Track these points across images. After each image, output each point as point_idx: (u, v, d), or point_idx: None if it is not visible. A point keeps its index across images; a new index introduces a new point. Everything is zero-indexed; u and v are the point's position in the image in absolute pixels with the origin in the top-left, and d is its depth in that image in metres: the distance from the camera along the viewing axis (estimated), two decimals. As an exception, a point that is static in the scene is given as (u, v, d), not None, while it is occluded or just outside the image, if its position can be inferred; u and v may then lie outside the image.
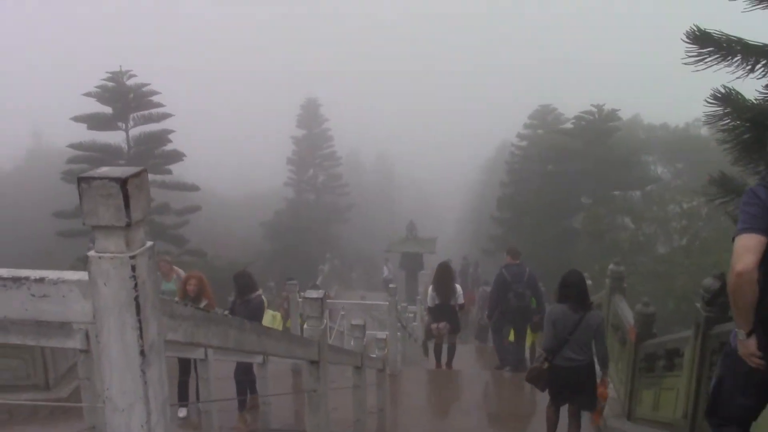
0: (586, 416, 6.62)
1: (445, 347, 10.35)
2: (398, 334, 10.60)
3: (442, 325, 9.75)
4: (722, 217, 13.85)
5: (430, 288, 10.03)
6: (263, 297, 10.75)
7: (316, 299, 3.74)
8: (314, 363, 3.77)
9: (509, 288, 9.42)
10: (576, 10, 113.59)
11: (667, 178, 25.22)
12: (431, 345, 10.39)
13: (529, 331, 9.93)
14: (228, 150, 63.07)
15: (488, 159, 56.23)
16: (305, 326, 3.80)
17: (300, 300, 10.78)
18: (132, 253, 1.44)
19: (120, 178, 1.40)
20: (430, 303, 9.95)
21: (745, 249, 2.67)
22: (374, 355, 7.18)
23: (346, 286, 33.04)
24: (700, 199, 13.79)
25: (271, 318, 10.77)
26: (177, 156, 21.91)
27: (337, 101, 51.06)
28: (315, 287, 20.65)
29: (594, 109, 22.52)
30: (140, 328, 1.48)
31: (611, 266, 9.38)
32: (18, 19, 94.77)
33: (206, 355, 5.96)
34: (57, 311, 1.54)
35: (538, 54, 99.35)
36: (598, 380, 6.14)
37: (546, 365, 5.97)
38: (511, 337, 9.94)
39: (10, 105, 62.53)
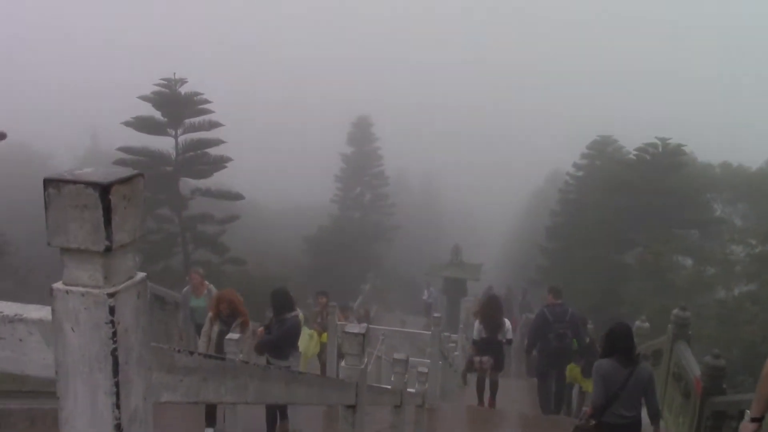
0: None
1: (487, 382, 9.86)
2: (439, 363, 10.03)
3: (485, 359, 9.34)
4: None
5: (477, 321, 9.63)
6: (300, 316, 10.43)
7: (357, 335, 3.30)
8: (350, 407, 3.35)
9: (550, 328, 9.16)
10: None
11: (729, 219, 24.13)
12: (471, 376, 10.03)
13: (580, 375, 9.40)
14: (274, 162, 63.55)
15: (538, 187, 55.25)
16: (342, 364, 3.38)
17: (338, 322, 10.37)
18: (112, 290, 1.04)
19: (100, 183, 0.99)
20: (476, 336, 9.52)
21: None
22: (413, 389, 6.68)
23: (385, 308, 32.62)
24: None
25: (308, 337, 10.39)
26: (222, 162, 21.89)
27: (388, 120, 50.95)
28: (349, 308, 20.33)
29: (658, 142, 21.68)
30: (117, 393, 1.06)
31: (676, 311, 8.74)
32: (86, 25, 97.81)
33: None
34: (10, 359, 1.14)
35: (598, 81, 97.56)
36: None
37: (593, 423, 5.52)
38: (584, 384, 9.40)
39: (72, 106, 64.40)
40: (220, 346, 6.61)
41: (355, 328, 3.31)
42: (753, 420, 3.33)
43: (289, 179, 58.98)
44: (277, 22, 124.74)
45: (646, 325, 11.04)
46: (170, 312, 11.94)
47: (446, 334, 10.56)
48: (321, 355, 10.94)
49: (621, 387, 5.39)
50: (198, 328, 9.18)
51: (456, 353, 14.98)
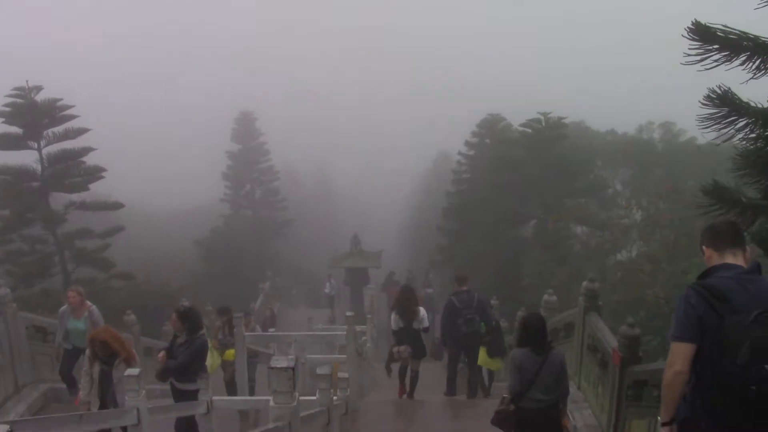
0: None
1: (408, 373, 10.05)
2: (357, 362, 9.70)
3: (403, 348, 9.55)
4: (695, 222, 13.64)
5: (393, 312, 9.79)
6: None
7: (285, 369, 2.84)
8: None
9: (459, 314, 9.54)
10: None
11: (614, 185, 25.27)
12: (395, 367, 10.13)
13: (486, 356, 9.86)
14: (156, 166, 60.49)
15: (427, 169, 56.02)
16: (272, 404, 2.91)
17: (244, 333, 9.75)
18: None
19: None
20: (393, 326, 9.70)
21: (679, 355, 3.22)
22: (336, 398, 6.26)
23: (288, 304, 31.99)
24: (663, 204, 13.55)
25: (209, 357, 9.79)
26: (97, 172, 20.33)
27: (271, 113, 49.71)
28: (250, 310, 19.56)
29: (540, 117, 22.27)
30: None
31: (585, 283, 8.80)
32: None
33: (138, 418, 4.93)
34: None
35: (479, 66, 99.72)
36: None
37: (512, 407, 5.91)
38: (489, 364, 10.05)
39: None
40: (104, 385, 6.16)
41: (283, 362, 2.84)
42: (664, 425, 3.43)
43: (174, 182, 56.34)
44: (145, 16, 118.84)
45: (554, 298, 11.16)
46: (53, 342, 10.81)
47: (360, 328, 10.36)
48: (226, 372, 10.30)
49: (535, 374, 5.78)
50: (75, 352, 8.44)
51: (368, 345, 14.72)
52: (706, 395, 3.20)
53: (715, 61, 5.47)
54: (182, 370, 6.80)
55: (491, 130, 28.76)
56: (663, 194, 13.65)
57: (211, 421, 6.59)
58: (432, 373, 11.71)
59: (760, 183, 6.07)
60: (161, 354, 7.19)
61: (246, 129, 40.49)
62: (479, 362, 9.97)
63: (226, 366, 10.31)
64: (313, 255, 42.36)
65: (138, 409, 4.89)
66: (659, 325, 11.07)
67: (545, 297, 11.13)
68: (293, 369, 2.85)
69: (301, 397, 2.85)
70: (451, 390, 10.14)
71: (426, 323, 9.71)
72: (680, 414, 3.35)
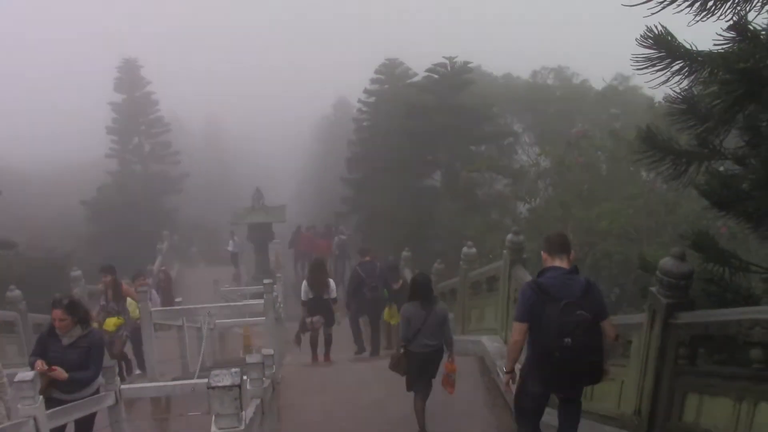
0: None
1: (321, 338, 10.80)
2: (276, 330, 9.23)
3: (316, 318, 10.30)
4: (602, 167, 13.85)
5: (304, 282, 10.47)
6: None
7: (230, 388, 2.30)
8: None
9: (364, 283, 10.85)
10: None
11: (516, 130, 25.50)
12: (304, 336, 10.70)
13: (396, 311, 10.79)
14: (32, 123, 55.79)
15: (326, 117, 54.85)
16: (214, 429, 2.37)
17: (150, 309, 8.96)
18: None
19: None
20: (303, 297, 10.34)
21: (517, 330, 4.73)
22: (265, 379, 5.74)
23: (188, 264, 30.76)
24: (572, 150, 13.65)
25: None
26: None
27: (156, 61, 46.52)
28: (146, 272, 18.48)
29: (446, 62, 21.91)
30: None
31: (510, 236, 8.67)
32: None
33: (37, 429, 4.23)
34: None
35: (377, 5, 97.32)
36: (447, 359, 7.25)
37: (402, 351, 7.12)
38: (393, 320, 11.16)
39: None
40: None
41: (226, 379, 2.30)
42: (507, 373, 5.19)
43: (53, 139, 52.24)
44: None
45: (473, 250, 11.02)
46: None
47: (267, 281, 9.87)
48: (112, 346, 9.28)
49: (423, 323, 6.96)
50: None
51: (281, 304, 14.24)
52: (533, 356, 4.74)
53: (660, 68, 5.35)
54: (94, 377, 5.81)
55: (390, 75, 28.16)
56: (573, 140, 13.76)
57: (121, 412, 5.96)
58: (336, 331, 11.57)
59: (694, 129, 5.95)
60: (39, 363, 5.59)
61: (130, 78, 37.65)
62: (385, 317, 11.46)
63: (110, 339, 9.23)
64: (212, 211, 40.81)
65: (35, 419, 4.19)
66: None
67: (464, 250, 10.97)
68: (239, 387, 2.31)
69: (215, 372, 2.33)
70: (360, 347, 11.40)
71: (334, 294, 10.47)
72: (522, 371, 5.04)
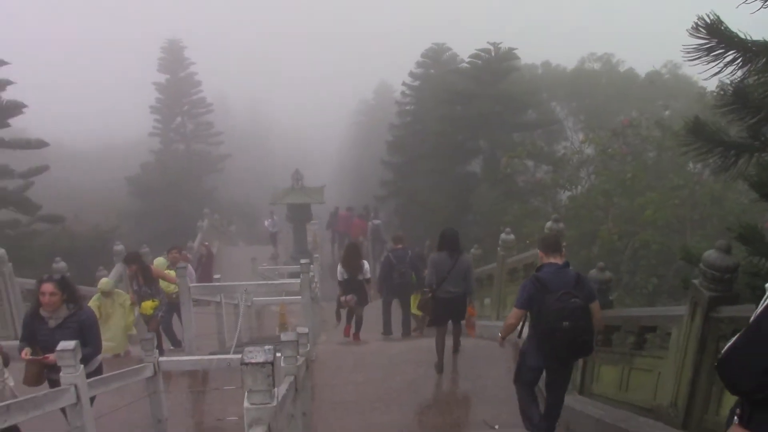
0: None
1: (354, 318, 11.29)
2: (311, 310, 9.32)
3: (350, 297, 10.82)
4: (649, 156, 13.56)
5: (339, 265, 11.04)
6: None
7: (262, 365, 2.31)
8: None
9: (394, 269, 11.35)
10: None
11: (561, 119, 25.00)
12: (343, 312, 11.29)
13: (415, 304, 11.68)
14: (79, 100, 56.98)
15: (367, 101, 54.77)
16: (247, 405, 2.39)
17: (189, 284, 9.12)
18: None
19: None
20: (339, 277, 10.92)
21: (515, 315, 5.58)
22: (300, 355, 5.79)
23: (227, 242, 31.20)
24: (617, 138, 13.36)
25: (121, 312, 9.22)
26: (17, 108, 18.79)
27: (201, 43, 46.96)
28: (180, 246, 18.81)
29: (490, 47, 21.59)
30: None
31: (549, 224, 8.59)
32: None
33: (78, 396, 4.33)
34: None
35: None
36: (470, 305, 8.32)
37: (429, 295, 8.35)
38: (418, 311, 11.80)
39: None
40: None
41: (259, 356, 2.31)
42: (501, 338, 6.03)
43: (99, 116, 53.30)
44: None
45: (511, 237, 10.93)
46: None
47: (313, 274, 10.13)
48: (150, 327, 9.63)
49: (448, 272, 8.15)
50: None
51: (317, 284, 14.38)
52: (535, 337, 5.54)
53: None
54: (95, 353, 5.67)
55: (436, 60, 27.91)
56: (619, 129, 13.44)
57: (159, 384, 6.08)
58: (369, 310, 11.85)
59: (745, 120, 5.76)
60: (25, 352, 5.37)
61: (174, 58, 38.23)
62: (413, 310, 11.93)
63: (148, 321, 9.67)
64: (252, 191, 41.32)
65: (76, 386, 4.30)
66: (614, 260, 11.02)
67: (502, 236, 10.90)
68: (272, 364, 2.32)
69: (248, 348, 2.35)
70: (387, 330, 11.81)
71: (368, 275, 11.05)
72: (522, 348, 5.93)
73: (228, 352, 8.85)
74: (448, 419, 7.02)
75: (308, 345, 5.99)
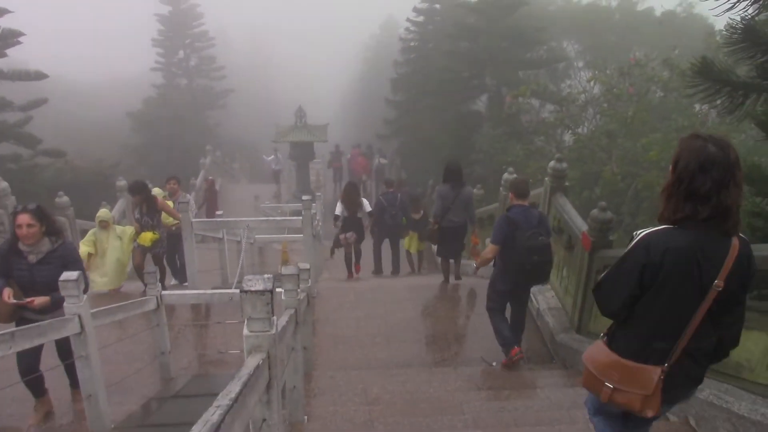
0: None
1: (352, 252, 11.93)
2: (313, 247, 9.40)
3: (349, 234, 11.39)
4: (654, 97, 13.38)
5: (339, 202, 11.50)
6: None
7: (261, 293, 2.34)
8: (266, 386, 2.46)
9: (385, 211, 11.95)
10: None
11: (570, 56, 24.50)
12: (338, 251, 12.07)
13: (416, 239, 12.64)
14: (78, 30, 56.01)
15: (372, 37, 53.76)
16: (246, 332, 2.43)
17: (191, 219, 9.16)
18: None
19: None
20: (337, 212, 11.41)
21: (492, 250, 6.44)
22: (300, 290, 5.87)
23: (230, 179, 31.24)
24: (624, 78, 13.13)
25: (119, 243, 9.17)
26: (13, 37, 18.48)
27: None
28: (177, 178, 18.80)
29: (499, -22, 20.96)
30: None
31: (552, 163, 8.48)
32: None
33: (82, 326, 4.42)
34: None
35: None
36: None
37: (435, 226, 9.28)
38: (411, 248, 12.87)
39: None
40: None
41: (258, 284, 2.34)
42: (476, 269, 7.34)
43: (99, 48, 52.55)
44: None
45: (514, 176, 10.85)
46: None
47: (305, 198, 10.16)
48: (135, 257, 9.59)
49: (452, 202, 9.06)
50: None
51: (319, 222, 14.47)
52: (504, 267, 6.46)
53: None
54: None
55: (442, -6, 27.20)
56: (625, 68, 13.18)
57: (162, 317, 6.19)
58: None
59: (755, 59, 5.64)
60: (8, 293, 4.84)
61: (176, -11, 37.50)
62: (405, 246, 12.85)
63: (137, 251, 9.51)
64: (255, 128, 41.06)
65: (80, 316, 4.37)
66: (616, 201, 11.01)
67: (505, 175, 10.83)
68: (271, 292, 2.36)
69: (248, 277, 2.39)
70: (378, 268, 12.49)
71: (368, 208, 11.55)
72: (492, 278, 6.78)
73: (230, 287, 8.99)
74: (446, 355, 7.16)
75: (309, 281, 6.04)
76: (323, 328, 7.91)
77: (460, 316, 8.52)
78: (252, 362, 2.32)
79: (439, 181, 9.74)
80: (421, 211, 12.73)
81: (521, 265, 6.22)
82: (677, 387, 2.85)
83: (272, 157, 27.11)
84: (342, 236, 11.50)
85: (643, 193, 10.89)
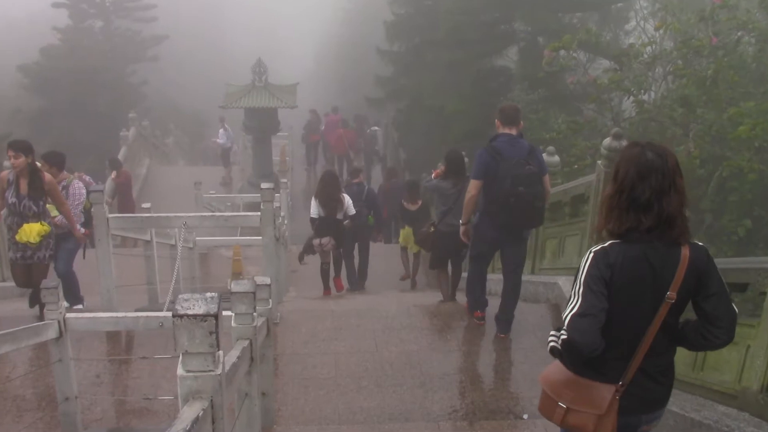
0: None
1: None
2: (276, 255, 9.40)
3: (325, 240, 11.64)
4: (747, 51, 13.37)
5: (314, 198, 11.79)
6: None
7: (203, 318, 2.32)
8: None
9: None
10: None
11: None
12: (313, 260, 12.53)
13: (413, 242, 13.01)
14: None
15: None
16: (181, 372, 2.41)
17: (107, 214, 9.09)
18: None
19: None
20: (313, 214, 11.71)
21: (474, 186, 7.52)
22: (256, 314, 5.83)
23: (161, 159, 31.24)
24: (705, 27, 13.09)
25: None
26: None
27: None
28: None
29: None
30: None
31: (608, 141, 8.65)
32: None
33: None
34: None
35: None
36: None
37: (432, 230, 10.18)
38: (411, 247, 13.71)
39: None
40: None
41: (198, 305, 2.32)
42: (462, 224, 8.14)
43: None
44: None
45: (555, 158, 10.89)
46: None
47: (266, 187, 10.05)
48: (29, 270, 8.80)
49: (454, 201, 9.72)
50: None
51: (284, 220, 14.48)
52: (488, 207, 7.54)
53: None
54: None
55: None
56: (707, 12, 13.11)
57: (66, 348, 6.14)
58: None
59: None
60: None
61: None
62: (401, 242, 14.00)
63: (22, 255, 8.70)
64: (197, 89, 41.02)
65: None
66: (694, 194, 10.99)
67: (545, 157, 10.88)
68: (215, 317, 2.33)
69: (184, 296, 2.37)
70: (352, 280, 13.39)
71: (351, 211, 11.83)
72: (475, 220, 7.99)
73: (161, 309, 8.95)
74: (459, 404, 7.16)
75: (270, 301, 6.01)
76: (289, 366, 7.92)
77: (480, 350, 8.52)
78: (189, 414, 2.30)
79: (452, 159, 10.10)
80: (419, 201, 13.32)
81: (505, 199, 7.19)
82: (635, 408, 3.53)
83: (221, 130, 27.09)
84: (316, 241, 11.77)
85: (730, 183, 10.87)
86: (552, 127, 15.05)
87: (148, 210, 11.15)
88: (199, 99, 39.15)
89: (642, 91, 13.52)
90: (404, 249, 14.12)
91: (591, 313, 3.31)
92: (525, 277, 11.04)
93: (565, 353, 3.57)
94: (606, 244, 3.42)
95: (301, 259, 12.86)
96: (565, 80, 17.53)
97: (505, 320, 8.32)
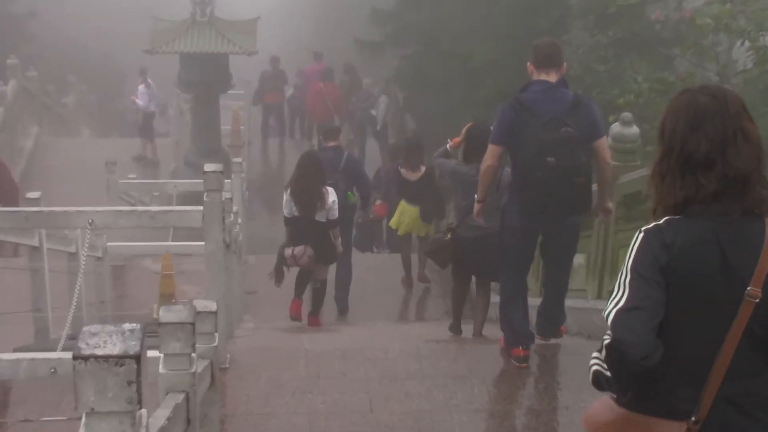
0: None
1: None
2: (224, 268, 9.37)
3: (298, 250, 12.03)
4: None
5: (287, 192, 12.31)
6: None
7: (118, 360, 2.30)
8: None
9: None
10: None
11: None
12: (288, 272, 12.75)
13: (413, 215, 14.30)
14: None
15: None
16: (162, 369, 2.48)
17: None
18: None
19: None
20: (286, 213, 12.37)
21: (491, 153, 7.99)
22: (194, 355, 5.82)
23: (56, 128, 31.37)
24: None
25: None
26: None
27: None
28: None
29: None
30: None
31: (616, 127, 10.41)
32: None
33: None
34: None
35: None
36: None
37: (448, 236, 10.21)
38: (402, 229, 14.71)
39: None
40: None
41: (112, 343, 2.31)
42: (478, 202, 8.58)
43: None
44: None
45: (634, 129, 10.88)
46: None
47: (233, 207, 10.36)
48: None
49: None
50: None
51: (238, 218, 14.49)
52: (514, 183, 7.90)
53: None
54: None
55: None
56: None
57: None
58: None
59: None
60: None
61: None
62: (393, 225, 14.93)
63: None
64: (110, 25, 41.17)
65: None
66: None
67: (615, 127, 10.93)
68: (136, 359, 2.32)
69: (92, 329, 2.38)
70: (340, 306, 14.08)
71: (335, 213, 12.20)
72: (503, 202, 8.38)
73: (53, 348, 8.95)
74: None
75: (216, 336, 6.00)
76: (243, 430, 7.91)
77: (520, 409, 8.52)
78: None
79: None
80: (422, 168, 14.24)
81: (530, 174, 7.36)
82: None
83: (142, 86, 27.12)
84: (288, 251, 12.19)
85: None
86: (628, 86, 15.12)
87: (36, 202, 11.14)
88: (114, 40, 39.26)
89: (760, 34, 13.63)
90: (402, 238, 14.60)
91: (642, 306, 3.24)
92: (589, 304, 11.13)
93: (610, 367, 3.43)
94: (661, 222, 3.35)
95: (278, 278, 12.83)
96: (647, 16, 17.64)
97: (546, 317, 8.71)
